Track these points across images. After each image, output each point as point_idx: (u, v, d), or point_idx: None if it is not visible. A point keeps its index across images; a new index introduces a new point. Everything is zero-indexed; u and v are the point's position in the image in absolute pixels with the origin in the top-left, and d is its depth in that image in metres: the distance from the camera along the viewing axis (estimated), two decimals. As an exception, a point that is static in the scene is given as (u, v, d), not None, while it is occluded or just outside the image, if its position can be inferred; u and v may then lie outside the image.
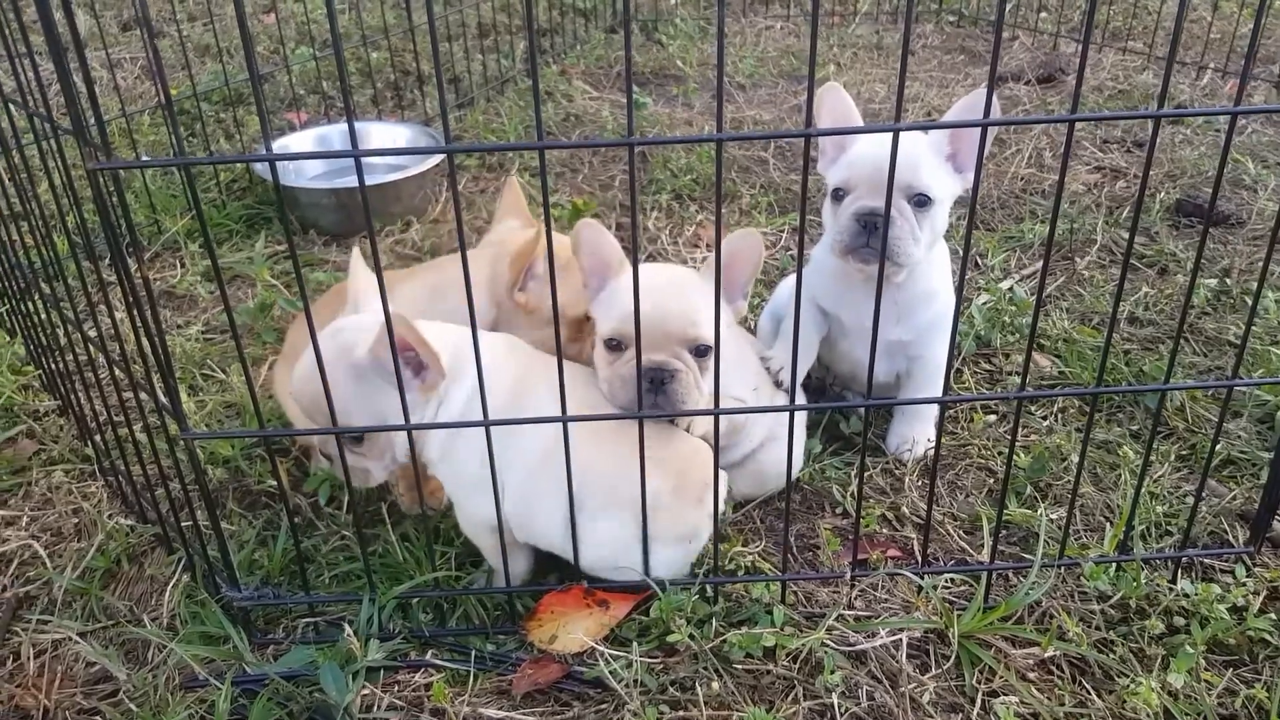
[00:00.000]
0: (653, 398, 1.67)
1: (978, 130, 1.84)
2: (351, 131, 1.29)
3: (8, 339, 2.52)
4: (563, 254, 1.96)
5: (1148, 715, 1.52)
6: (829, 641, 1.65)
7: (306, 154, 1.60)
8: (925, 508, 1.75)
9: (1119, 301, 1.52)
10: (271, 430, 1.51)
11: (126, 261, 1.34)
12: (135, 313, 1.39)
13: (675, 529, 1.68)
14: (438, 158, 3.16)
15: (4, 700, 1.65)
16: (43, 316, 2.00)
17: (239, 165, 3.43)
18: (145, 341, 1.43)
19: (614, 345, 1.74)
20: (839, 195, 1.93)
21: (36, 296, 2.00)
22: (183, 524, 1.79)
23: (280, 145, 3.31)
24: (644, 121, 3.78)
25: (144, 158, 3.35)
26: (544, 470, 1.64)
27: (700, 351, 1.71)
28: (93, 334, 1.73)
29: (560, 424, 1.50)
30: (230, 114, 3.81)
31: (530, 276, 1.99)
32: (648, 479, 1.59)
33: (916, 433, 2.13)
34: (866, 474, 2.08)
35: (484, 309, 2.02)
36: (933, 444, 2.02)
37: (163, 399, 1.51)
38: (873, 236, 1.85)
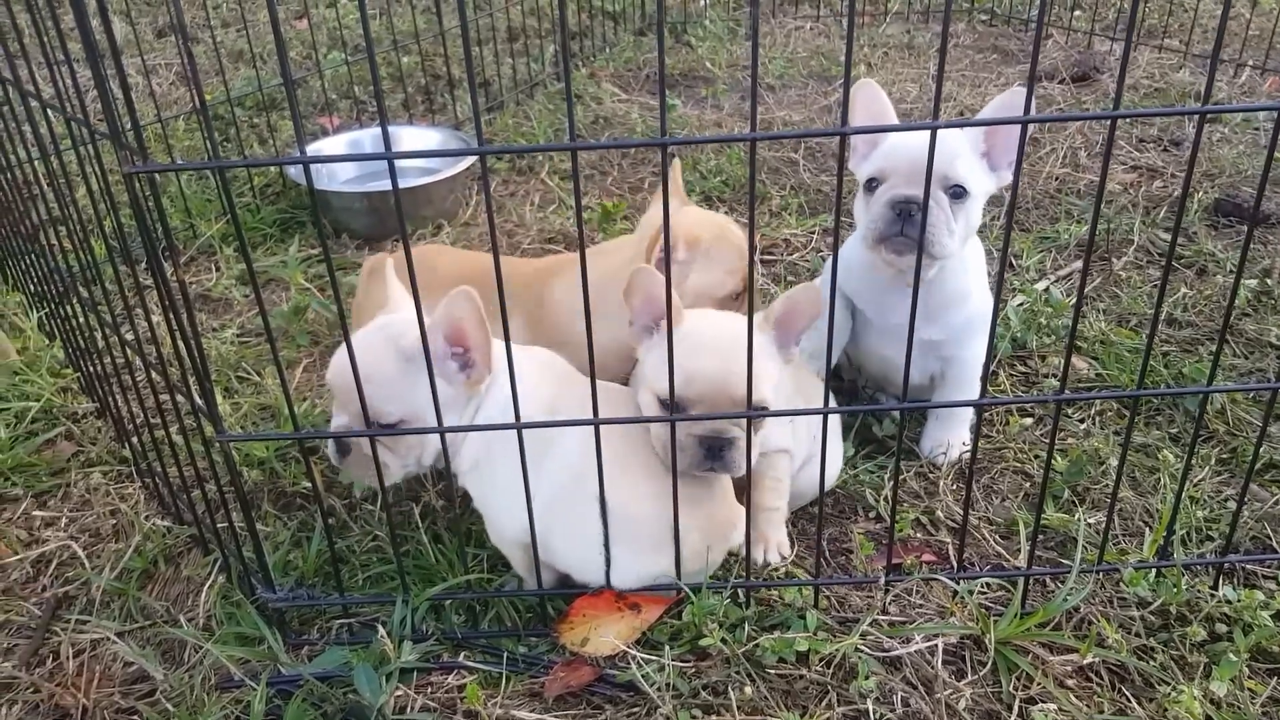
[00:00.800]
0: (709, 464, 1.63)
1: (1013, 128, 1.87)
2: (385, 134, 1.29)
3: (47, 342, 2.55)
4: (706, 235, 1.97)
5: (1190, 724, 1.49)
6: (863, 647, 1.63)
7: (340, 157, 1.60)
8: (960, 512, 1.73)
9: (1161, 302, 1.49)
10: (305, 432, 1.52)
11: (162, 264, 1.35)
12: (171, 316, 1.40)
13: (699, 563, 1.69)
14: (468, 161, 3.17)
15: (44, 699, 1.67)
16: (81, 320, 2.02)
17: (272, 170, 3.46)
18: (181, 344, 1.44)
19: (670, 406, 1.64)
20: (872, 186, 1.91)
21: (74, 300, 2.02)
22: (218, 525, 1.81)
23: (313, 149, 3.33)
24: (673, 123, 3.77)
25: (178, 159, 3.38)
26: (569, 498, 1.64)
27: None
28: (129, 337, 1.75)
29: (592, 442, 1.51)
30: (264, 119, 3.84)
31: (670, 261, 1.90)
32: (680, 519, 1.61)
33: (952, 436, 2.11)
34: (901, 478, 2.07)
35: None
36: (968, 448, 2.01)
37: (198, 401, 1.52)
38: (907, 225, 1.83)
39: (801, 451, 1.90)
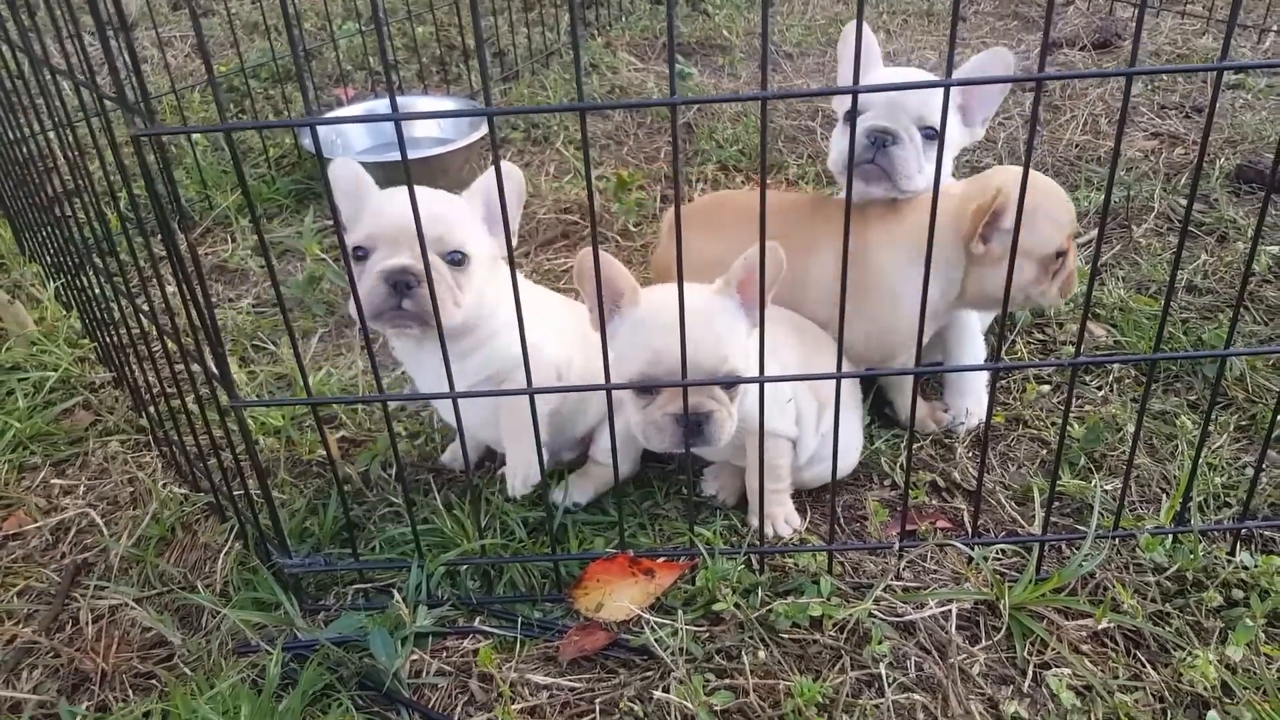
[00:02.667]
0: (688, 441, 1.61)
1: (990, 87, 1.97)
2: (391, 97, 1.28)
3: (64, 313, 2.56)
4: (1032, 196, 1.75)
5: (1205, 688, 1.48)
6: (876, 612, 1.63)
7: (346, 118, 1.59)
8: (976, 478, 1.72)
9: (1177, 266, 1.47)
10: (318, 398, 1.52)
11: (173, 230, 1.35)
12: (183, 282, 1.40)
13: None
14: (482, 131, 3.16)
15: (64, 663, 1.69)
16: (97, 290, 2.03)
17: (287, 141, 3.46)
18: (194, 312, 1.44)
19: (645, 390, 1.63)
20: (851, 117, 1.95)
21: (90, 270, 2.03)
22: (234, 493, 1.82)
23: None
24: (688, 91, 3.74)
25: (194, 138, 3.38)
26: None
27: (729, 384, 1.63)
28: (145, 307, 1.76)
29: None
30: (279, 90, 3.83)
31: (995, 229, 1.83)
32: None
33: (970, 404, 2.09)
34: (916, 445, 2.06)
35: (953, 257, 1.89)
36: (983, 415, 2.00)
37: (212, 368, 1.53)
38: (879, 153, 1.90)
39: (809, 445, 1.87)
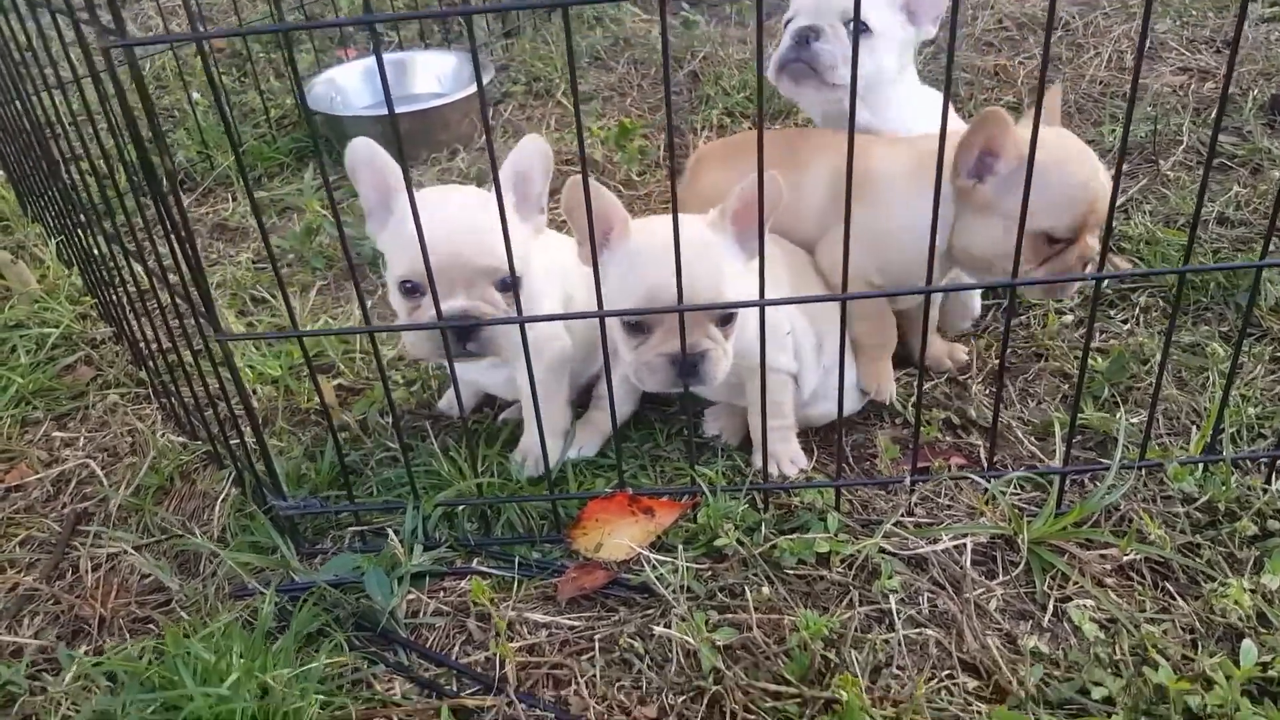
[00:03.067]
0: (683, 381, 1.55)
1: None
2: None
3: (66, 271, 2.54)
4: (1045, 156, 1.50)
5: (1240, 618, 1.40)
6: (887, 547, 1.57)
7: (319, 24, 1.52)
8: (992, 411, 1.64)
9: (1209, 168, 1.38)
10: (306, 331, 1.48)
11: (145, 148, 1.30)
12: (159, 203, 1.35)
13: None
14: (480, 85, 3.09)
15: (64, 610, 1.67)
16: (86, 233, 1.99)
17: (288, 100, 3.42)
18: (174, 241, 1.39)
19: (634, 327, 1.57)
20: (786, 25, 2.02)
21: (80, 213, 1.99)
22: (231, 441, 1.78)
23: (328, 78, 3.28)
24: (695, 40, 3.65)
25: (194, 96, 3.34)
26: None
27: (726, 319, 1.56)
28: (132, 248, 1.71)
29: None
30: (280, 54, 3.78)
31: (989, 168, 1.65)
32: None
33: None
34: (930, 384, 1.98)
35: (946, 192, 1.63)
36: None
37: (196, 300, 1.48)
38: (804, 50, 1.90)
39: (810, 379, 1.79)
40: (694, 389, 1.59)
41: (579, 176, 1.40)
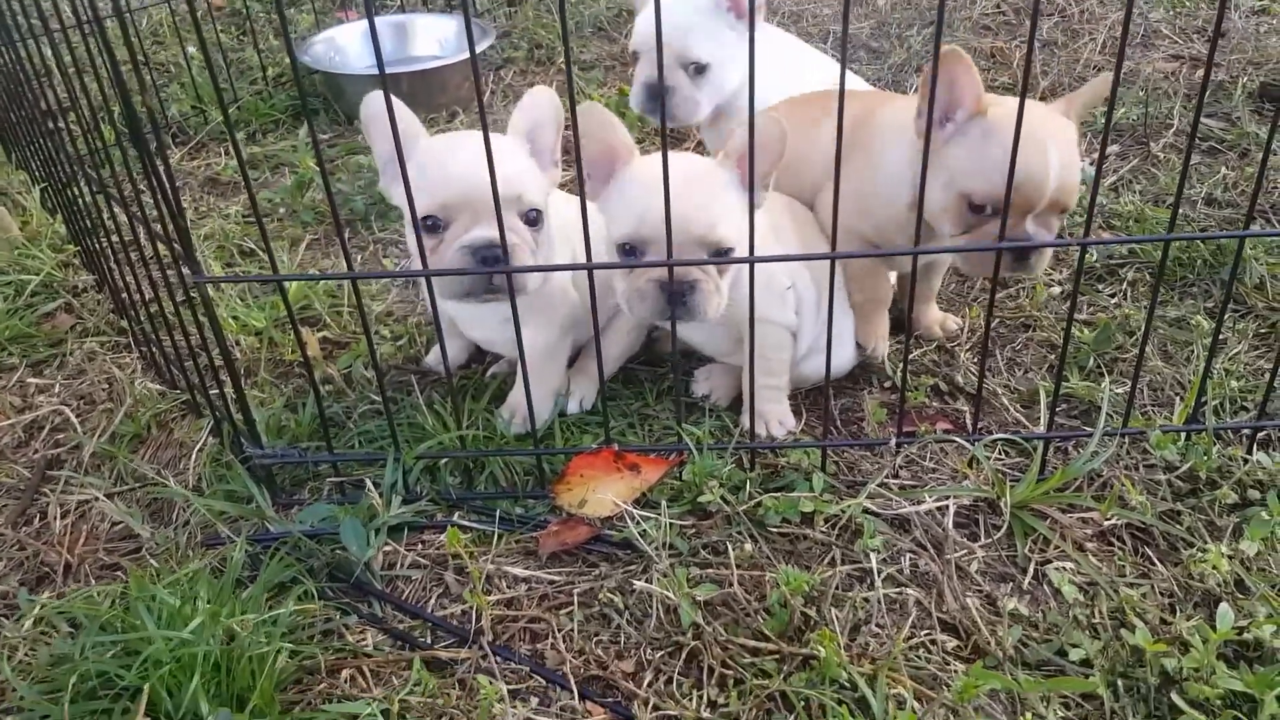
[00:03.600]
0: (671, 311, 1.53)
1: None
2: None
3: (50, 219, 2.50)
4: (999, 116, 1.56)
5: (1217, 583, 1.40)
6: (871, 507, 1.56)
7: None
8: (977, 377, 1.64)
9: (1194, 137, 1.38)
10: (287, 275, 1.45)
11: (124, 83, 1.28)
12: (141, 147, 1.32)
13: None
14: (481, 47, 3.06)
15: (29, 556, 1.64)
16: (65, 170, 1.96)
17: (285, 59, 3.38)
18: (153, 179, 1.37)
19: (629, 251, 1.56)
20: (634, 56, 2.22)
21: (61, 156, 1.96)
22: (210, 391, 1.76)
23: (328, 37, 3.25)
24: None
25: (190, 50, 3.30)
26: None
27: (722, 254, 1.54)
28: (114, 191, 1.68)
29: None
30: (279, 14, 3.74)
31: (949, 119, 1.61)
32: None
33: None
34: (918, 350, 1.97)
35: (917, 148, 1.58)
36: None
37: (175, 244, 1.45)
38: (657, 103, 1.93)
39: (806, 335, 1.79)
40: (686, 329, 1.56)
41: (592, 103, 1.42)
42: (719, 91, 2.13)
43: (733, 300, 1.57)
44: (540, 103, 1.60)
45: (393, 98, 1.48)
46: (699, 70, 2.09)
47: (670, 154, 1.39)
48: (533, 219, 1.57)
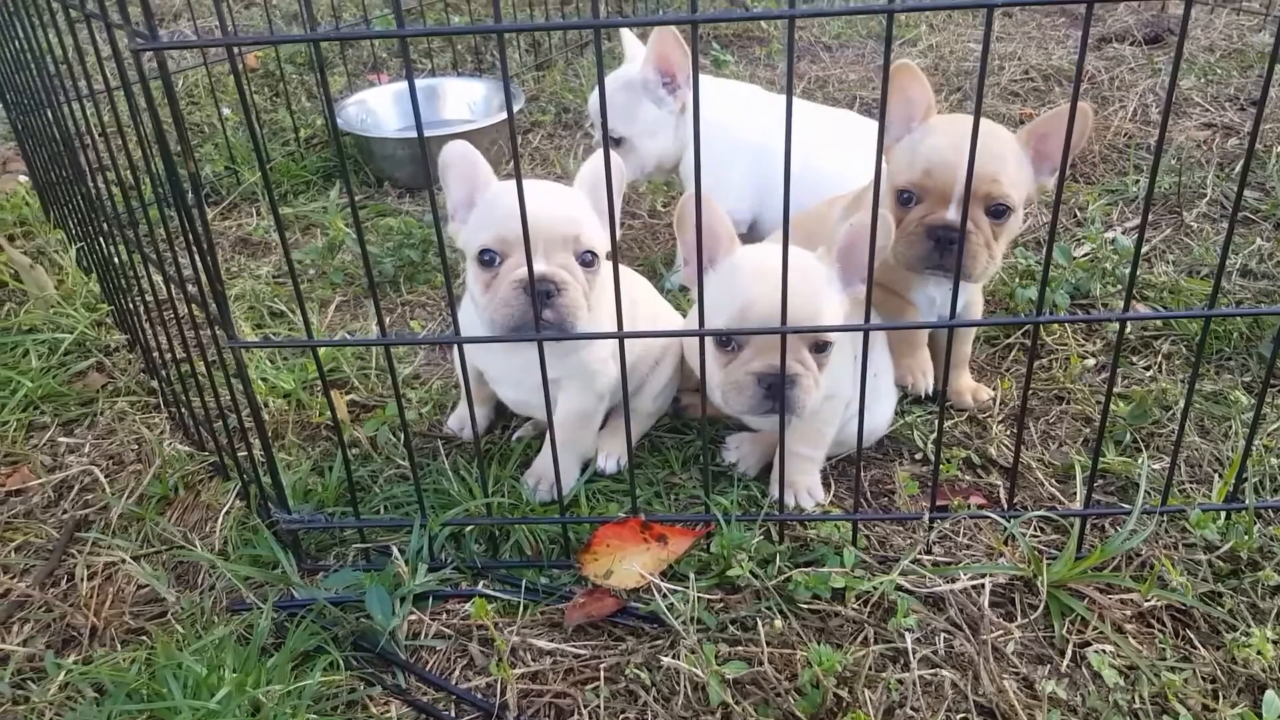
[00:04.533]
0: (769, 404, 1.53)
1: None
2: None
3: (85, 278, 2.53)
4: (938, 122, 1.71)
5: (1262, 669, 1.36)
6: (904, 584, 1.53)
7: (349, 34, 1.51)
8: (1012, 451, 1.61)
9: (1236, 212, 1.37)
10: (320, 340, 1.46)
11: (170, 153, 1.29)
12: (180, 208, 1.34)
13: None
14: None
15: (55, 618, 1.64)
16: (100, 231, 1.98)
17: (318, 121, 3.44)
18: (191, 239, 1.38)
19: (724, 344, 1.57)
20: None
21: (98, 216, 1.99)
22: (238, 452, 1.76)
23: (360, 99, 3.30)
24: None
25: (225, 111, 3.36)
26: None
27: (820, 348, 1.56)
28: (153, 255, 1.70)
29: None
30: (313, 76, 3.81)
31: (907, 131, 1.75)
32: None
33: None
34: (950, 422, 1.95)
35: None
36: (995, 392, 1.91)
37: (212, 309, 1.47)
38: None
39: (854, 400, 1.77)
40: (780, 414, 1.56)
41: (691, 192, 1.42)
42: (642, 160, 2.38)
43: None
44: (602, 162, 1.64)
45: (469, 146, 1.63)
46: (617, 142, 2.35)
47: (776, 246, 1.42)
48: (588, 261, 1.59)
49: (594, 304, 1.61)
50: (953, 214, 1.62)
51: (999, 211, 1.63)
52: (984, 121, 1.39)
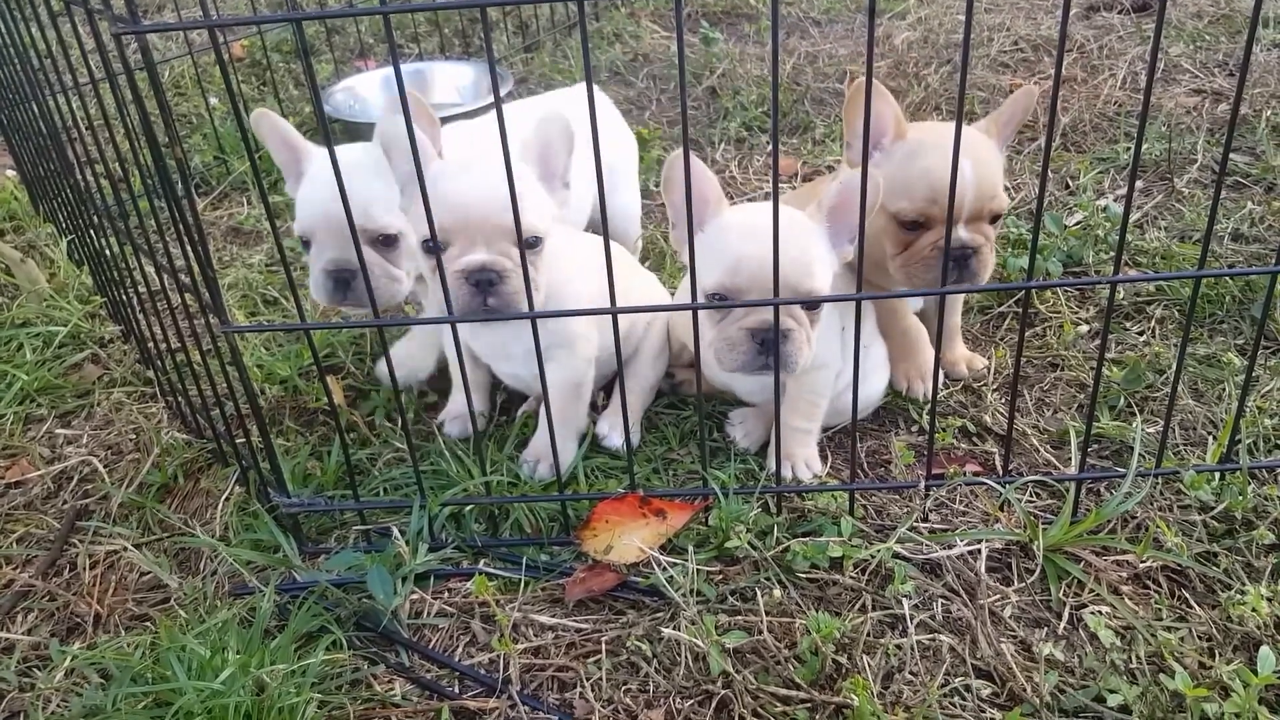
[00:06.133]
0: (763, 360, 1.53)
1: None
2: (381, -13, 1.22)
3: (77, 271, 2.53)
4: (920, 139, 1.69)
5: (1257, 626, 1.38)
6: (901, 552, 1.54)
7: (331, 13, 1.46)
8: (1007, 418, 1.62)
9: (1223, 176, 1.37)
10: (314, 324, 1.46)
11: (157, 140, 1.29)
12: (168, 192, 1.34)
13: None
14: (501, 92, 3.10)
15: (59, 607, 1.65)
16: (100, 233, 1.98)
17: (306, 109, 3.43)
18: (181, 227, 1.38)
19: (721, 299, 1.57)
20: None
21: (90, 208, 1.98)
22: (237, 439, 1.76)
23: (347, 86, 3.30)
24: (714, 57, 3.65)
25: (212, 101, 3.35)
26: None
27: (811, 305, 1.56)
28: (143, 244, 1.70)
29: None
30: (300, 63, 3.80)
31: (877, 147, 1.72)
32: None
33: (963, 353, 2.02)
34: (945, 391, 1.96)
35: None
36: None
37: (203, 294, 1.47)
38: (347, 292, 1.76)
39: (846, 371, 1.78)
40: (730, 381, 1.57)
41: (679, 152, 1.39)
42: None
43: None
44: (549, 125, 1.61)
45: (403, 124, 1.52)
46: (386, 243, 1.78)
47: (764, 204, 1.42)
48: (531, 244, 1.57)
49: (543, 280, 1.61)
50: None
51: (813, 305, 1.59)
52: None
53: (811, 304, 1.55)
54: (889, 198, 1.66)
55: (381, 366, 1.97)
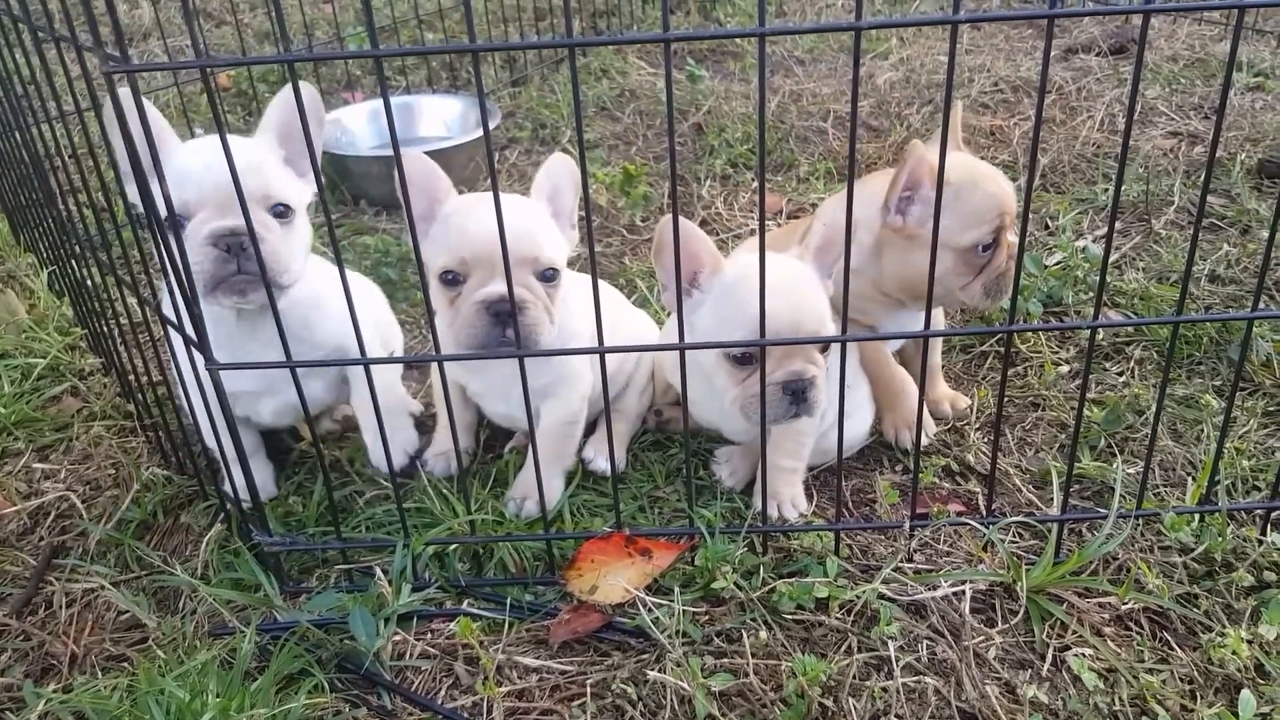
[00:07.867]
0: (794, 409, 1.57)
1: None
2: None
3: (57, 302, 2.52)
4: (956, 177, 1.68)
5: (1238, 669, 1.38)
6: (886, 593, 1.54)
7: (324, 55, 1.44)
8: (990, 458, 1.63)
9: (1200, 220, 1.39)
10: (299, 361, 1.46)
11: (145, 175, 1.29)
12: (155, 229, 1.34)
13: None
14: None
15: (33, 647, 1.62)
16: (72, 250, 1.97)
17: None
18: (169, 264, 1.38)
19: (743, 359, 1.59)
20: None
21: (73, 242, 1.98)
22: (218, 475, 1.75)
23: (334, 118, 3.30)
24: (700, 94, 3.69)
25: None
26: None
27: (825, 347, 1.60)
28: (131, 287, 1.70)
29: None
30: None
31: (915, 200, 1.74)
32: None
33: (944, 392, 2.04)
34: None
35: (865, 240, 1.80)
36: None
37: (189, 332, 1.46)
38: (243, 258, 1.55)
39: (831, 410, 1.79)
40: (802, 415, 1.61)
41: (669, 216, 1.40)
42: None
43: None
44: (558, 167, 1.65)
45: (427, 159, 1.61)
46: (280, 214, 1.66)
47: (748, 256, 1.47)
48: (549, 277, 1.60)
49: (558, 316, 1.62)
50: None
51: (825, 346, 1.61)
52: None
53: (824, 346, 1.59)
54: (967, 233, 1.72)
55: (434, 463, 1.92)
